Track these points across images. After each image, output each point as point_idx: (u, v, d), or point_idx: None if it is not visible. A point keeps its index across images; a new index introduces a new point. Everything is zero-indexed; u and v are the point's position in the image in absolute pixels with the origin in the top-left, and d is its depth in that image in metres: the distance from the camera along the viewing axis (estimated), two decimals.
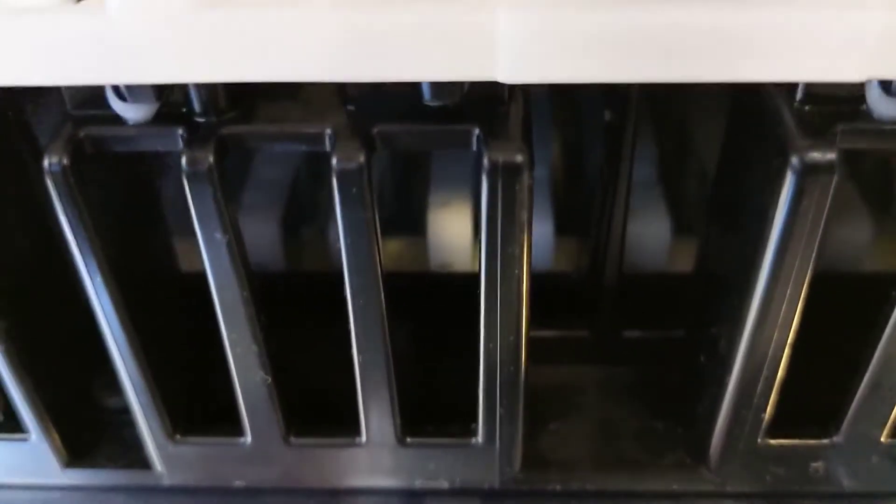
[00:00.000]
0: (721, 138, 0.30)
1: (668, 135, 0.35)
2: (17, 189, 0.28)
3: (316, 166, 0.37)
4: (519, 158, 0.24)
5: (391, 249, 0.38)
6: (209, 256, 0.26)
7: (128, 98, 0.24)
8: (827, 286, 0.30)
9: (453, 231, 0.36)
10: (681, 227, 0.34)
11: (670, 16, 0.20)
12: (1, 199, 0.28)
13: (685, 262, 0.34)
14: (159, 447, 0.31)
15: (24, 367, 0.29)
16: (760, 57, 0.21)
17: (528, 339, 0.29)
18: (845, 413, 0.30)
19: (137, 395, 0.30)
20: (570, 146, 0.36)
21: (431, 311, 0.36)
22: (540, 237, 0.36)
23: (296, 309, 0.33)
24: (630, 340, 0.35)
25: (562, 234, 0.36)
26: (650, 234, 0.34)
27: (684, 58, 0.20)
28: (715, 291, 0.30)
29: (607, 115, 0.30)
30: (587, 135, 0.34)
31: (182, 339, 0.32)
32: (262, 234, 0.36)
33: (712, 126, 0.31)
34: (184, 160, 0.24)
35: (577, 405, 0.34)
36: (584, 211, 0.35)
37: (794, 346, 0.28)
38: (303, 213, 0.36)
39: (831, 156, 0.23)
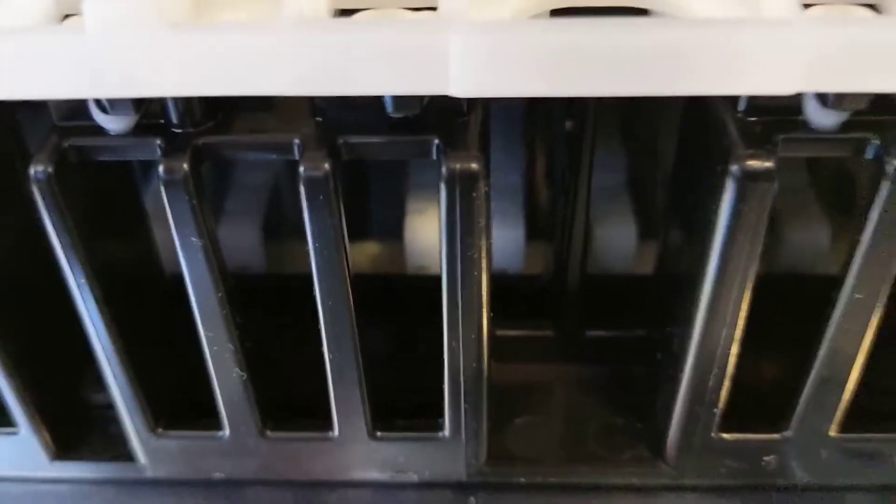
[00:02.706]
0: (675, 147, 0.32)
1: (629, 143, 0.36)
2: (4, 192, 0.29)
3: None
4: (475, 167, 0.25)
5: (371, 253, 0.40)
6: (186, 260, 0.27)
7: (109, 110, 0.25)
8: (775, 285, 0.32)
9: (429, 236, 0.37)
10: (642, 232, 0.36)
11: (612, 36, 0.21)
12: None
13: (646, 265, 0.36)
14: (142, 441, 0.33)
15: (14, 364, 0.31)
16: (699, 73, 0.22)
17: (491, 337, 0.30)
18: (794, 409, 0.32)
19: (121, 391, 0.31)
20: (540, 154, 0.38)
21: (408, 311, 0.37)
22: (510, 241, 0.38)
23: (274, 308, 0.35)
24: (594, 339, 0.37)
25: (530, 239, 0.38)
26: (613, 239, 0.36)
27: (626, 74, 0.22)
28: (671, 293, 0.32)
29: (568, 125, 0.32)
30: (554, 143, 0.36)
31: (164, 337, 0.33)
32: (242, 238, 0.37)
33: (669, 134, 0.33)
34: (161, 169, 0.25)
35: (543, 401, 0.36)
36: (551, 216, 0.36)
37: (745, 344, 0.30)
38: (281, 218, 0.38)
39: (770, 164, 0.25)
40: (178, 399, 0.33)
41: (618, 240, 0.36)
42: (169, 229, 0.27)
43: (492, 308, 0.31)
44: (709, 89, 0.22)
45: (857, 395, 0.31)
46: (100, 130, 0.26)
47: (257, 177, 0.40)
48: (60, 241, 0.27)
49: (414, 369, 0.36)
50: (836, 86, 0.22)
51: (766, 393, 0.33)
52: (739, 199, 0.25)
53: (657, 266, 0.35)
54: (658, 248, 0.35)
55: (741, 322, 0.28)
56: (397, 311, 0.37)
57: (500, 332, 0.36)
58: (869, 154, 0.26)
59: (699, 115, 0.28)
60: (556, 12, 0.26)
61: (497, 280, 0.37)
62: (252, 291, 0.31)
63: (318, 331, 0.30)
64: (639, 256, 0.36)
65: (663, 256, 0.34)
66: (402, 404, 0.33)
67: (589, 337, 0.36)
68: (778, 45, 0.22)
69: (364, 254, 0.39)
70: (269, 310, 0.33)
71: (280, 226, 0.38)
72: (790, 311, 0.32)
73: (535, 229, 0.38)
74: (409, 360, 0.36)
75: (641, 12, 0.26)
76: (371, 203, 0.40)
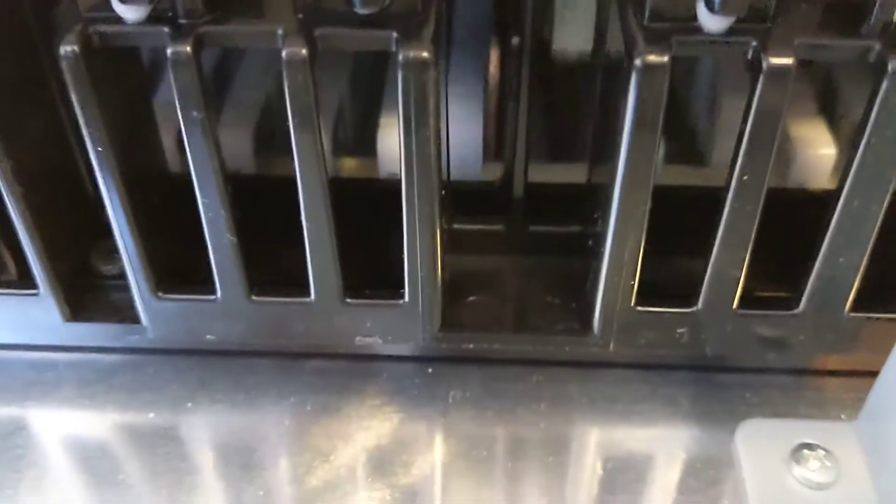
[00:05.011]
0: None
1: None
2: (33, 78, 0.35)
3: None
4: (426, 55, 0.31)
5: (350, 162, 0.46)
6: (187, 131, 0.33)
7: (126, 1, 0.30)
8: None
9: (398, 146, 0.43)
10: (578, 143, 0.42)
11: None
12: (20, 85, 0.34)
13: (580, 175, 0.42)
14: (145, 303, 0.38)
15: (37, 231, 0.36)
16: None
17: (446, 218, 0.35)
18: (701, 285, 0.37)
19: (129, 256, 0.37)
20: (494, 79, 0.43)
21: (379, 209, 0.42)
22: (471, 156, 0.43)
23: (261, 204, 0.40)
24: (537, 233, 0.42)
25: (486, 152, 0.43)
26: (551, 153, 0.41)
27: None
28: (597, 186, 0.38)
29: (515, 40, 0.37)
30: (504, 68, 0.41)
31: (169, 212, 0.39)
32: (236, 146, 0.43)
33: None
34: (169, 51, 0.31)
35: (492, 285, 0.42)
36: (502, 130, 0.42)
37: (664, 230, 0.35)
38: (270, 124, 0.44)
39: (665, 59, 0.31)
40: (177, 271, 0.39)
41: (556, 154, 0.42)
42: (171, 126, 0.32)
43: (452, 208, 0.36)
44: None
45: (755, 280, 0.37)
46: (118, 20, 0.31)
47: (249, 95, 0.45)
48: (84, 114, 0.32)
49: (381, 252, 0.41)
50: None
51: (679, 272, 0.38)
52: (641, 88, 0.31)
53: (589, 166, 0.41)
54: (590, 157, 0.41)
55: (649, 198, 0.34)
56: (371, 208, 0.42)
57: (456, 226, 0.42)
58: (748, 55, 0.31)
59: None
60: None
61: (457, 185, 0.42)
62: (243, 191, 0.37)
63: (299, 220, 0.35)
64: (574, 168, 0.42)
65: (594, 160, 0.40)
66: (370, 278, 0.39)
67: (532, 231, 0.42)
68: None
69: (345, 161, 0.45)
70: (257, 206, 0.39)
71: (268, 136, 0.44)
72: (694, 197, 0.37)
73: (490, 142, 0.43)
74: (377, 246, 0.41)
75: None
76: (350, 118, 0.46)
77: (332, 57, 0.45)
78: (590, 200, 0.40)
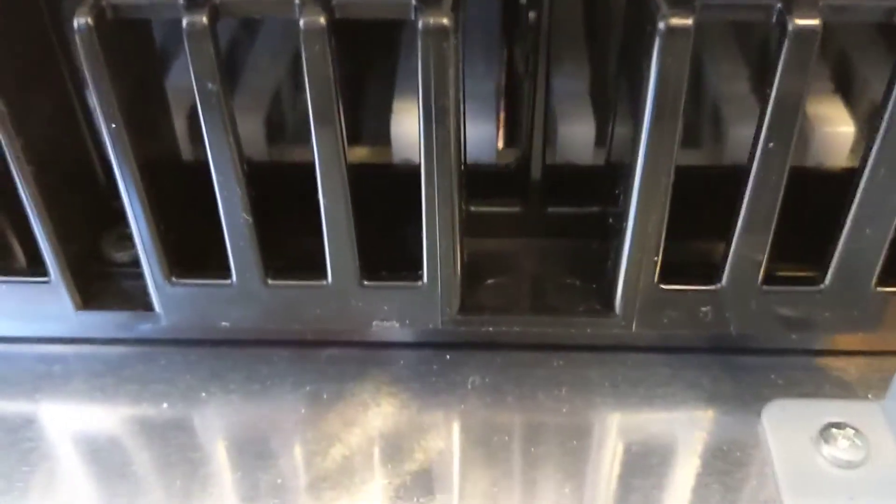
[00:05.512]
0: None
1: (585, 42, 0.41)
2: (42, 56, 0.34)
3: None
4: (446, 22, 0.30)
5: (364, 148, 0.45)
6: (202, 105, 0.32)
7: None
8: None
9: (413, 131, 0.42)
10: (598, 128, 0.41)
11: None
12: (29, 62, 0.34)
13: (599, 158, 0.41)
14: (158, 288, 0.38)
15: (49, 212, 0.36)
16: None
17: (464, 199, 0.35)
18: (725, 262, 0.36)
19: (143, 239, 0.36)
20: (511, 63, 0.43)
21: (395, 193, 0.42)
22: (487, 139, 0.43)
23: (275, 190, 0.39)
24: (555, 215, 0.42)
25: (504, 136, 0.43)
26: (572, 135, 0.41)
27: None
28: (617, 164, 0.37)
29: (532, 15, 0.37)
30: (522, 49, 0.41)
31: (182, 198, 0.38)
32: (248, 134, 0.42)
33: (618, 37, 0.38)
34: (184, 22, 0.30)
35: (510, 267, 0.41)
36: (519, 113, 0.41)
37: (681, 200, 0.34)
38: (282, 111, 0.43)
39: (689, 22, 0.30)
40: (190, 259, 0.38)
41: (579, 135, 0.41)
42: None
43: (468, 191, 0.35)
44: None
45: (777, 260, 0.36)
46: None
47: (260, 83, 0.45)
48: (97, 89, 0.32)
49: (398, 245, 0.40)
50: None
51: (701, 248, 0.38)
52: (665, 52, 0.30)
53: (608, 154, 0.40)
54: (609, 139, 0.40)
55: (673, 169, 0.33)
56: (386, 193, 0.42)
57: (474, 209, 0.41)
58: (773, 17, 0.31)
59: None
60: None
61: (473, 168, 0.42)
62: (262, 170, 0.36)
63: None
64: (595, 151, 0.41)
65: (613, 142, 0.39)
66: (386, 262, 0.38)
67: (550, 213, 0.42)
68: None
69: (360, 147, 0.44)
70: (268, 196, 0.38)
71: (279, 124, 0.43)
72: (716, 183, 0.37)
73: (507, 126, 0.43)
74: (394, 229, 0.40)
75: None
76: (365, 105, 0.45)
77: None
78: (610, 178, 0.39)
